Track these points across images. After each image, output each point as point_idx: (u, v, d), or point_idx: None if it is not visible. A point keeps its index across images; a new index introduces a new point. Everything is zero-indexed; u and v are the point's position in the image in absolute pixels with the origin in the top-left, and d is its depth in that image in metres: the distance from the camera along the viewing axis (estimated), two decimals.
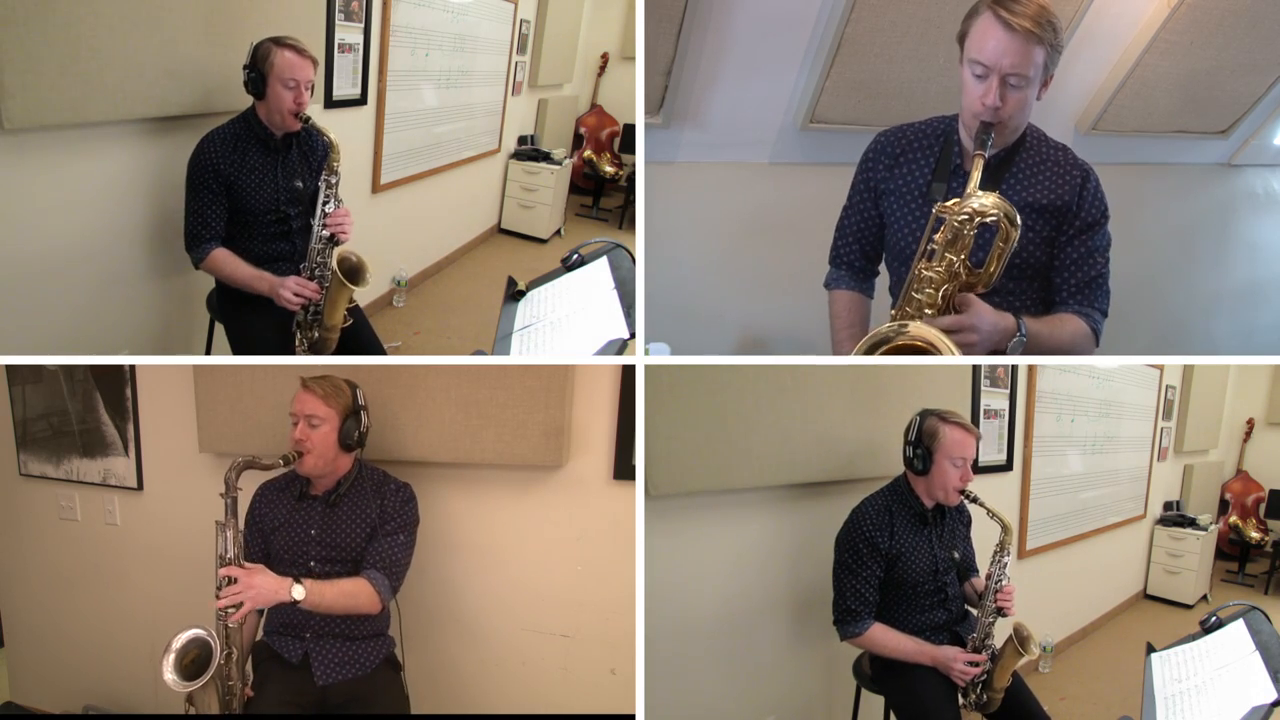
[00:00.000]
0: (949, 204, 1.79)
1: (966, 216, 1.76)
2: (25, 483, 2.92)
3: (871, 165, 2.10)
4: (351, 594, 2.00)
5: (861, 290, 2.22)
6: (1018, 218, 1.77)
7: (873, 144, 2.11)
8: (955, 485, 2.17)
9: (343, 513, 2.10)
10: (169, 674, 1.87)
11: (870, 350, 1.78)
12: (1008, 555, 2.20)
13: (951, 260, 1.80)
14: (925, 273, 1.82)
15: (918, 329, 1.76)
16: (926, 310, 1.84)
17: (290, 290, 2.36)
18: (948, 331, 1.78)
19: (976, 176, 1.79)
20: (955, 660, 2.14)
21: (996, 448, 3.19)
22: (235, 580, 1.88)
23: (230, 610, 1.87)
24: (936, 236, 1.80)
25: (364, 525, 2.10)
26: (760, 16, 2.66)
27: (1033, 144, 1.97)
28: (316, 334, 2.43)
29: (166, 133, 2.52)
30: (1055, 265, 1.98)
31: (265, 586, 1.89)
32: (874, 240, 2.15)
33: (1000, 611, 2.18)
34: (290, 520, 2.11)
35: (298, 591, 1.91)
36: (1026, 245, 1.95)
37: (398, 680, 2.17)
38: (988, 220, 1.76)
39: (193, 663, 1.91)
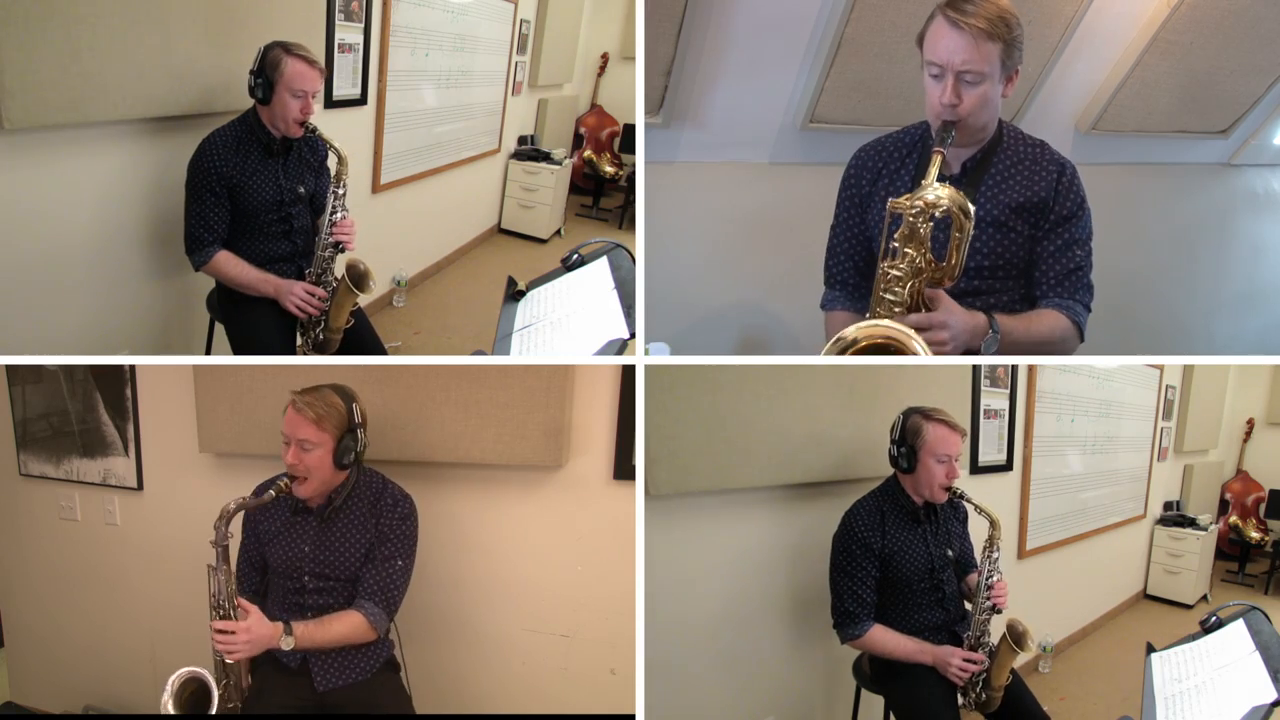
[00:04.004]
0: (901, 199, 1.80)
1: (919, 210, 1.77)
2: (25, 483, 2.92)
3: (855, 181, 2.11)
4: (344, 634, 1.99)
5: (858, 310, 2.19)
6: (970, 208, 1.77)
7: (852, 161, 2.12)
8: (941, 482, 2.17)
9: (338, 529, 2.05)
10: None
11: (839, 354, 1.77)
12: (998, 551, 2.19)
13: (912, 255, 1.80)
14: (891, 271, 1.82)
15: (879, 326, 1.76)
16: (896, 310, 1.84)
17: (298, 297, 2.39)
18: (917, 329, 1.78)
19: (933, 172, 1.80)
20: (952, 658, 2.14)
21: (996, 448, 3.18)
22: (229, 630, 1.86)
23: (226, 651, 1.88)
24: (896, 234, 1.81)
25: (360, 544, 2.05)
26: (760, 16, 2.66)
27: (1009, 144, 1.98)
28: (321, 336, 2.45)
29: (166, 133, 2.52)
30: (1034, 259, 1.99)
31: (259, 637, 1.87)
32: (867, 255, 2.14)
33: (994, 608, 2.18)
34: (285, 533, 2.06)
35: (286, 643, 1.89)
36: (1010, 245, 1.97)
37: (397, 681, 2.16)
38: (939, 213, 1.77)
39: (191, 695, 1.91)
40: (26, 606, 3.03)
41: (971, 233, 1.79)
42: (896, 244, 1.81)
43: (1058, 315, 1.96)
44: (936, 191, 1.76)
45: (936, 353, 1.73)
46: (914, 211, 1.77)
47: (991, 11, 1.79)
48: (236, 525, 2.06)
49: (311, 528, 2.05)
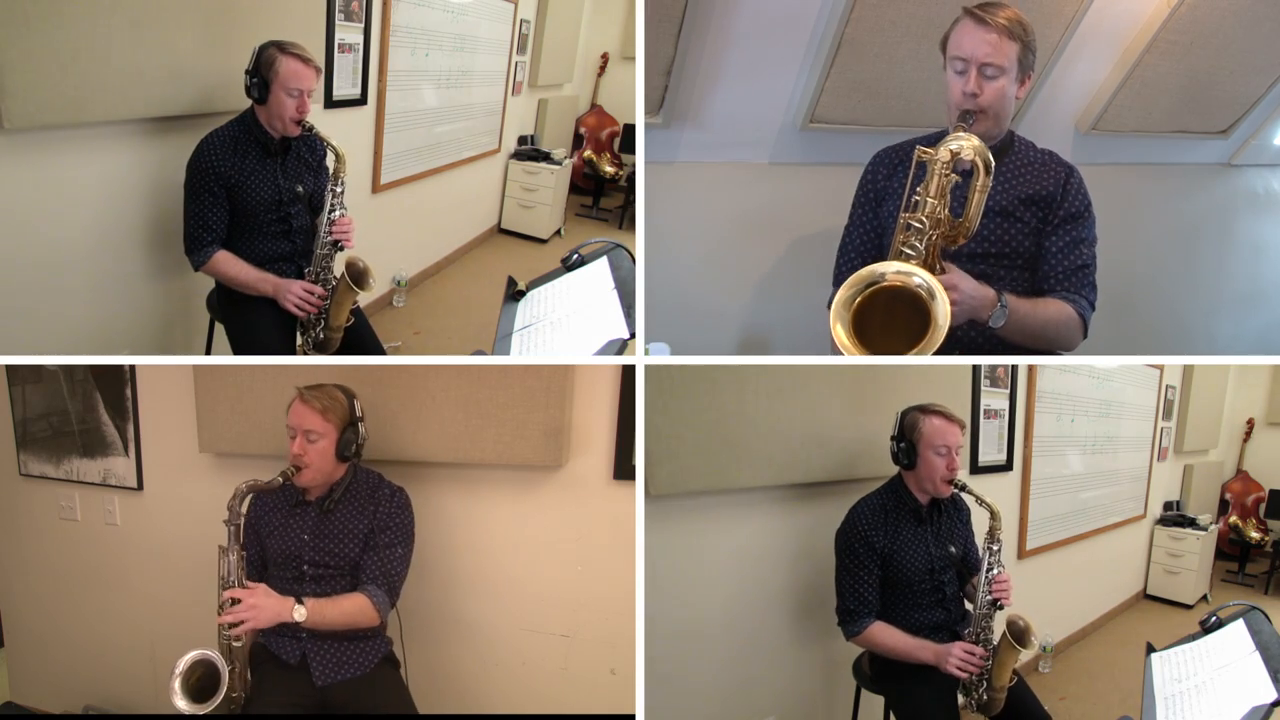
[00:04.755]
0: (927, 148, 1.89)
1: (946, 159, 1.86)
2: (25, 483, 2.92)
3: (871, 176, 2.22)
4: (351, 613, 2.02)
5: None
6: (991, 161, 1.87)
7: (871, 161, 2.25)
8: (942, 475, 2.18)
9: (337, 520, 2.10)
10: (179, 701, 1.90)
11: (860, 292, 1.81)
12: (999, 543, 2.18)
13: (934, 205, 1.86)
14: (912, 223, 1.88)
15: (904, 273, 1.81)
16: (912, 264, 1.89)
17: (297, 295, 2.39)
18: None
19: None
20: (952, 651, 2.13)
21: (996, 448, 3.18)
22: (239, 601, 1.90)
23: (233, 626, 1.91)
24: (919, 188, 1.88)
25: (358, 533, 2.11)
26: (760, 16, 2.65)
27: (1020, 148, 2.13)
28: (322, 334, 2.45)
29: (166, 133, 2.52)
30: (1041, 254, 2.09)
31: (268, 608, 1.92)
32: (878, 256, 2.17)
33: (996, 603, 2.16)
34: (284, 526, 2.11)
35: (299, 613, 1.93)
36: (1016, 234, 2.08)
37: (397, 678, 2.17)
38: (963, 157, 1.85)
39: (198, 681, 1.93)
40: (26, 606, 3.03)
41: (989, 187, 1.87)
42: (919, 196, 1.88)
43: (1063, 304, 2.04)
44: (960, 141, 1.86)
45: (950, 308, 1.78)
46: (939, 160, 1.85)
47: (1011, 16, 1.98)
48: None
49: (311, 518, 2.10)
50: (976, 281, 1.91)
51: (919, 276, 1.80)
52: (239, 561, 1.95)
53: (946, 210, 1.87)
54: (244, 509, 2.00)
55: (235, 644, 1.95)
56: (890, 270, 1.82)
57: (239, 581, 1.95)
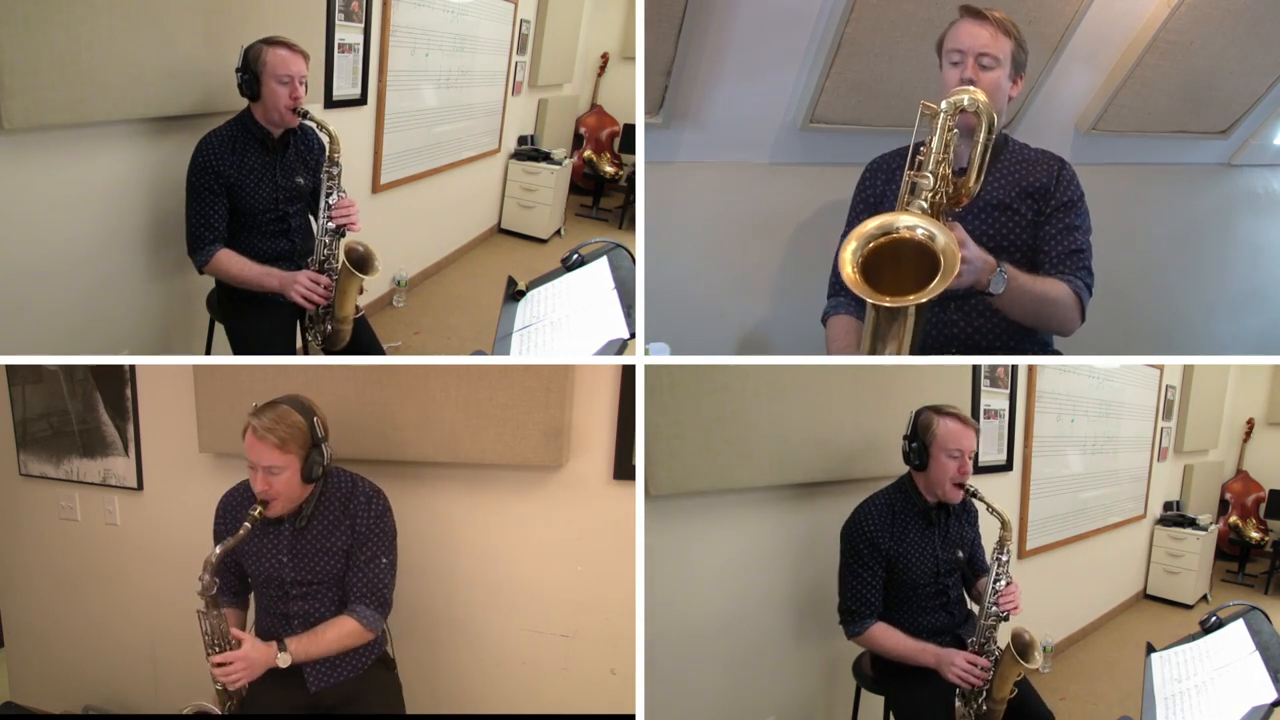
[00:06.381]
0: (932, 103, 1.89)
1: (948, 110, 1.86)
2: (25, 483, 2.92)
3: (870, 181, 2.26)
4: (339, 640, 2.00)
5: (863, 317, 2.21)
6: (995, 117, 1.88)
7: (867, 168, 2.29)
8: (953, 478, 2.15)
9: (313, 536, 2.01)
10: None
11: (871, 239, 1.80)
12: (1007, 554, 2.16)
13: (939, 161, 1.86)
14: (917, 181, 1.88)
15: (918, 229, 1.80)
16: None
17: (304, 286, 2.35)
18: None
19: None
20: (955, 659, 2.11)
21: (996, 448, 3.18)
22: (228, 663, 1.90)
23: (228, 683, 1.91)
24: (923, 146, 1.88)
25: (337, 548, 2.02)
26: (760, 16, 2.66)
27: (1015, 148, 2.18)
28: (329, 327, 2.43)
29: (166, 133, 2.52)
30: (1038, 241, 2.13)
31: (255, 662, 1.91)
32: None
33: (1000, 615, 2.13)
34: (259, 548, 2.02)
35: (283, 660, 1.92)
36: (1013, 227, 2.13)
37: (392, 678, 2.16)
38: (966, 109, 1.86)
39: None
40: (26, 606, 3.03)
41: (992, 144, 1.88)
42: (922, 155, 1.88)
43: (1060, 283, 2.07)
44: (965, 94, 1.87)
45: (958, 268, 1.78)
46: (944, 114, 1.86)
47: (1005, 16, 2.06)
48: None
49: (286, 537, 2.02)
50: (980, 247, 1.91)
51: (924, 227, 1.79)
52: (219, 622, 1.93)
53: (949, 169, 1.87)
54: (216, 579, 1.94)
55: (231, 689, 1.94)
56: (902, 223, 1.80)
57: (223, 638, 1.93)
